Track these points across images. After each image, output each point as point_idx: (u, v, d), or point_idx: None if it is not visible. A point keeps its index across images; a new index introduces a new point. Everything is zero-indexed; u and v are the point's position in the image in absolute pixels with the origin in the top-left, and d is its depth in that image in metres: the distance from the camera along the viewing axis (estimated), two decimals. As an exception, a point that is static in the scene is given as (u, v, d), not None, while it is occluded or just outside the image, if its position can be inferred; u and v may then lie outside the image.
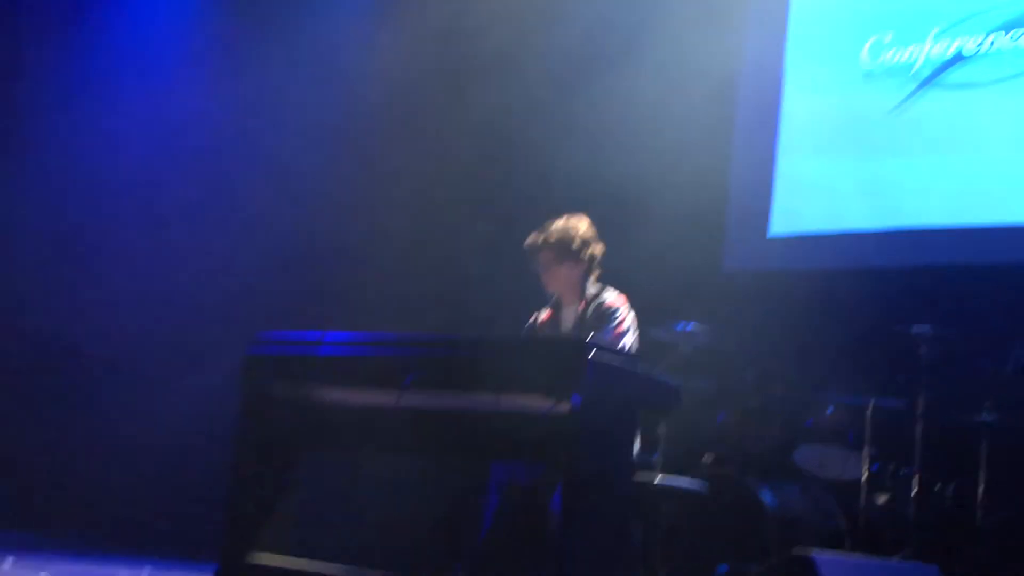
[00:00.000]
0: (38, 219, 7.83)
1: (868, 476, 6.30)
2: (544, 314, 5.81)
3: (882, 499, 6.35)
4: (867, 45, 7.70)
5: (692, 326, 6.63)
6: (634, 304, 5.74)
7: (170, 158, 7.84)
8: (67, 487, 7.19)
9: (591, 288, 5.73)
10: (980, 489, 6.21)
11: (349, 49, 8.19)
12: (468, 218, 8.16)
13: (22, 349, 7.62)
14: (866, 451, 6.33)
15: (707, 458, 6.58)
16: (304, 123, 7.96)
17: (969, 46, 7.32)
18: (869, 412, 6.38)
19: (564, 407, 4.57)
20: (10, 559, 5.64)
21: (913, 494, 6.20)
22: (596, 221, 5.80)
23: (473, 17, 8.07)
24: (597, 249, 5.74)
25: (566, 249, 5.68)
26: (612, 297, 5.70)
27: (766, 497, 6.21)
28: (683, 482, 5.79)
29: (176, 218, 7.78)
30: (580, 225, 5.75)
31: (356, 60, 8.20)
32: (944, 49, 7.41)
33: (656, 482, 5.66)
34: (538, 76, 8.03)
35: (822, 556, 4.58)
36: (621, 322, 5.62)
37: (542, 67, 7.99)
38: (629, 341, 5.62)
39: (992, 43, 7.24)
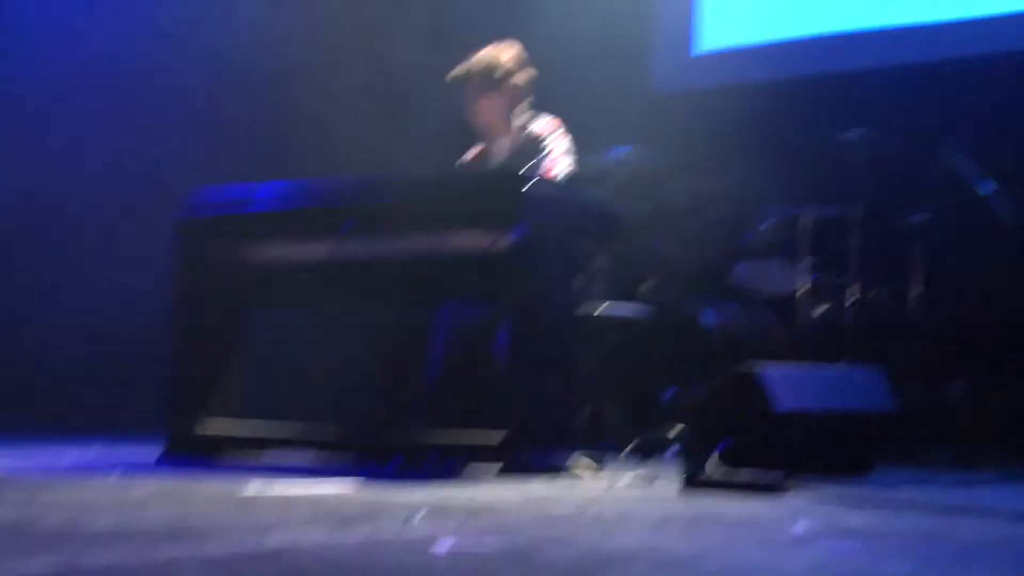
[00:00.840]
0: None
1: (807, 288, 6.35)
2: (474, 151, 5.72)
3: (822, 309, 6.42)
4: None
5: (624, 150, 6.58)
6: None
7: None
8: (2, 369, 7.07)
9: (519, 118, 5.62)
10: (917, 290, 6.29)
11: None
12: (396, 49, 8.00)
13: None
14: (804, 263, 6.37)
15: (647, 284, 6.59)
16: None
17: None
18: (805, 223, 6.40)
19: (504, 242, 4.54)
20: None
21: (852, 302, 6.27)
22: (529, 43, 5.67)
23: None
24: (521, 78, 5.60)
25: (488, 80, 5.54)
26: (544, 124, 5.59)
27: (707, 318, 6.26)
28: (625, 310, 5.81)
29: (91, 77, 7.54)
30: (503, 54, 5.60)
31: None
32: None
33: (598, 312, 5.68)
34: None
35: (768, 369, 4.62)
36: (554, 148, 5.52)
37: None
38: (564, 165, 5.52)
39: None
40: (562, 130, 5.57)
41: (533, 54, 5.74)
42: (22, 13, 7.39)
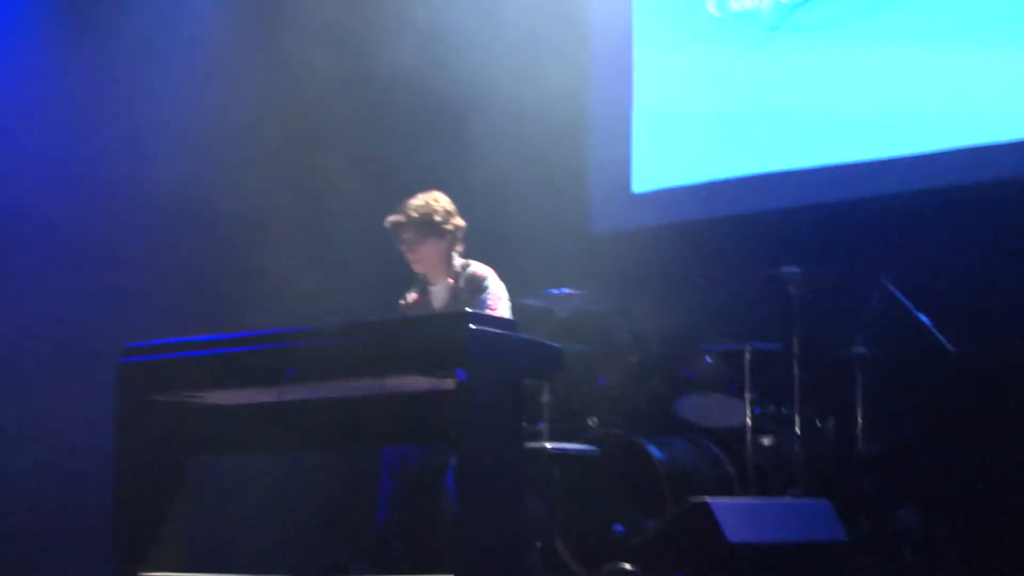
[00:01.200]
0: None
1: (751, 421, 6.39)
2: (412, 296, 5.76)
3: (767, 441, 6.46)
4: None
5: (564, 290, 6.66)
6: (503, 274, 5.74)
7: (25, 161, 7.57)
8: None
9: (457, 261, 5.71)
10: (859, 421, 6.35)
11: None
12: (314, 194, 8.05)
13: None
14: (747, 396, 6.42)
15: (593, 421, 6.61)
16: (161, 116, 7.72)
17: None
18: (747, 357, 6.46)
19: (449, 383, 4.54)
20: None
21: (796, 433, 6.31)
22: (457, 196, 5.78)
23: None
24: (460, 222, 5.74)
25: (428, 224, 5.66)
26: (480, 268, 5.70)
27: (655, 452, 6.26)
28: (573, 447, 5.81)
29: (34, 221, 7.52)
30: (440, 199, 5.74)
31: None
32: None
33: (545, 448, 5.68)
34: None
35: (717, 502, 4.63)
36: (493, 290, 5.62)
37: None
38: (504, 309, 5.62)
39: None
40: (496, 275, 5.67)
41: (468, 196, 5.84)
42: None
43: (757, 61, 7.57)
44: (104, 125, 7.54)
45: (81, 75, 7.59)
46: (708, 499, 4.66)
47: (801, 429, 6.31)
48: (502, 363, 4.68)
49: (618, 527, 5.99)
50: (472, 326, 4.57)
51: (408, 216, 5.66)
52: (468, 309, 5.10)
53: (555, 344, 4.84)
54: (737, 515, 4.56)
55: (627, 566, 5.03)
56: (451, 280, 5.68)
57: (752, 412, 6.41)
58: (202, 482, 5.33)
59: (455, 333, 4.57)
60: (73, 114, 7.52)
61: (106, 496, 5.12)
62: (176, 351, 5.05)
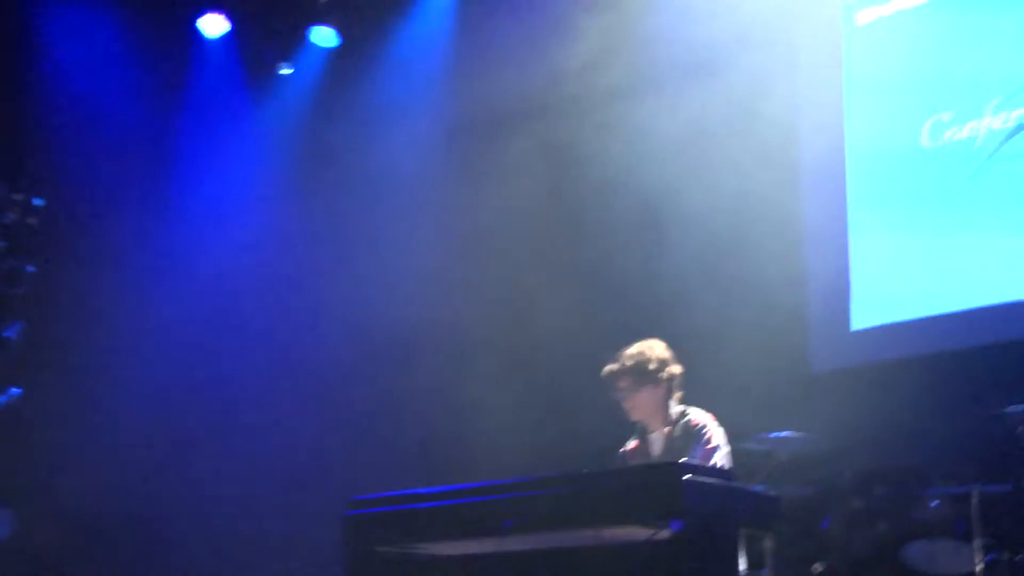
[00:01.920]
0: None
1: (983, 568, 6.17)
2: (631, 444, 5.81)
3: (1001, 589, 6.22)
4: (926, 127, 7.72)
5: (785, 433, 6.60)
6: (723, 418, 5.73)
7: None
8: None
9: (674, 409, 5.73)
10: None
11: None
12: (548, 347, 8.19)
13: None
14: (977, 542, 6.21)
15: (817, 567, 6.48)
16: (392, 292, 8.00)
17: (1029, 116, 7.33)
18: (975, 500, 6.26)
19: (665, 534, 4.55)
20: None
21: (1032, 581, 6.06)
22: (678, 343, 5.82)
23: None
24: (675, 369, 5.76)
25: (644, 372, 5.70)
26: (698, 415, 5.70)
27: (883, 600, 6.10)
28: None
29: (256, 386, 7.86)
30: (655, 347, 5.78)
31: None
32: (1003, 122, 7.41)
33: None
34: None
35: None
36: (711, 438, 5.60)
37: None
38: (721, 457, 5.60)
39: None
40: (715, 421, 5.65)
41: (687, 338, 5.88)
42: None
43: (972, 191, 7.46)
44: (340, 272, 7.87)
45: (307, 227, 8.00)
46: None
47: (1037, 577, 6.07)
48: (718, 513, 4.67)
49: None
50: (687, 477, 4.59)
51: (623, 365, 5.72)
52: (684, 459, 5.11)
53: (773, 493, 4.81)
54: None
55: None
56: (667, 428, 5.70)
57: (984, 558, 6.19)
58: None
59: (670, 484, 4.60)
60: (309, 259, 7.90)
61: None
62: (400, 503, 5.20)
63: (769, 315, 7.64)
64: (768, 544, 6.20)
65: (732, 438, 5.79)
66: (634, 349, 5.74)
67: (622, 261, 8.20)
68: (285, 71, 9.01)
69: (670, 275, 7.91)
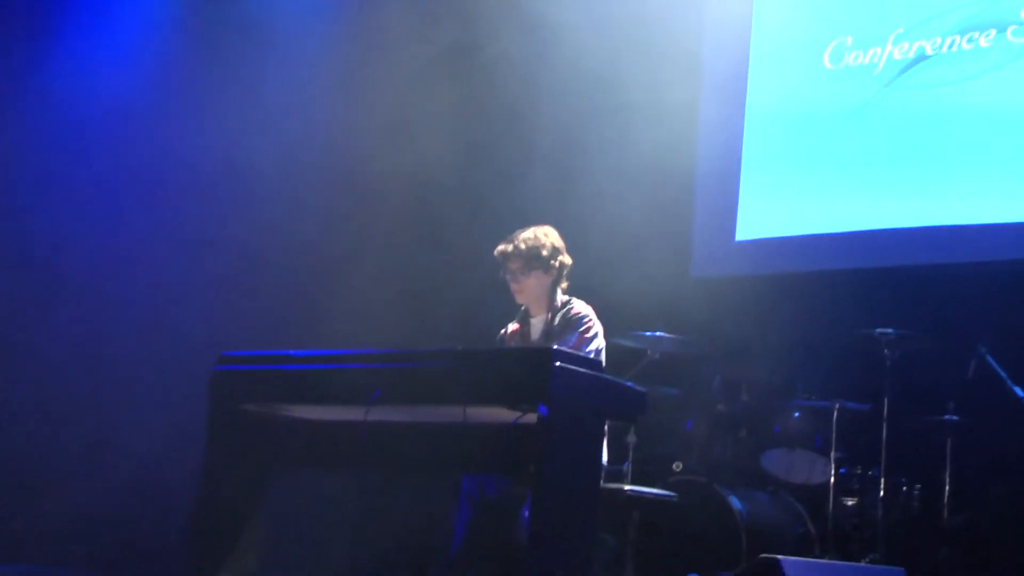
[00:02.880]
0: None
1: (836, 480, 6.35)
2: (512, 327, 5.83)
3: (850, 502, 6.40)
4: (829, 48, 7.77)
5: (659, 333, 6.68)
6: (602, 313, 5.77)
7: (141, 176, 7.78)
8: (32, 512, 7.12)
9: (560, 298, 5.76)
10: (945, 489, 6.27)
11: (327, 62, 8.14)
12: (436, 229, 8.16)
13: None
14: (833, 455, 6.38)
15: (676, 466, 6.60)
16: (274, 134, 7.89)
17: (928, 48, 7.39)
18: (835, 415, 6.43)
19: (531, 417, 4.58)
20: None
21: (880, 496, 6.25)
22: (563, 232, 5.83)
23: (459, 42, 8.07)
24: (566, 259, 5.77)
25: (536, 257, 5.69)
26: (581, 306, 5.73)
27: (735, 504, 6.25)
28: (651, 491, 5.82)
29: (141, 234, 7.72)
30: (550, 234, 5.78)
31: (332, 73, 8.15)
32: (903, 52, 7.48)
33: (626, 490, 5.69)
34: (504, 90, 8.03)
35: (788, 560, 4.61)
36: (588, 328, 5.63)
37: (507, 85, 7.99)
38: (596, 348, 5.64)
39: (951, 45, 7.31)
40: (595, 315, 5.69)
41: (576, 234, 5.89)
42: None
43: (868, 117, 7.54)
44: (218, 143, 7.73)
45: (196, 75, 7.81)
46: (780, 557, 4.63)
47: (886, 493, 6.25)
48: (584, 402, 4.71)
49: (692, 576, 5.99)
50: (557, 363, 4.61)
51: (516, 247, 5.71)
52: (557, 346, 5.14)
53: (640, 388, 4.85)
54: (807, 575, 4.53)
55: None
56: (549, 315, 5.72)
57: (837, 471, 6.37)
58: (282, 495, 5.41)
59: (540, 368, 4.61)
60: (197, 120, 7.73)
61: (188, 500, 5.23)
62: (270, 363, 5.16)
63: (653, 214, 7.68)
64: (631, 439, 6.32)
65: (607, 333, 5.84)
66: (529, 233, 5.73)
67: (522, 156, 8.17)
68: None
69: (566, 167, 7.90)
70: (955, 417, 6.30)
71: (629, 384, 4.90)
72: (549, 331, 5.68)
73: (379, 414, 4.88)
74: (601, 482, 5.04)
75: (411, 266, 8.06)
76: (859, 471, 6.44)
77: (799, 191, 7.74)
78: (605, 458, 5.47)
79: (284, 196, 7.79)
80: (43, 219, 7.55)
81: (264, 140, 7.69)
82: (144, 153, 7.69)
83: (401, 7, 8.16)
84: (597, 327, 5.69)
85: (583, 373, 4.74)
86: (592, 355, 5.51)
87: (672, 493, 5.92)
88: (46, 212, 7.56)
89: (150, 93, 7.80)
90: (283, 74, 7.89)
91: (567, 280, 5.79)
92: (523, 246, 5.70)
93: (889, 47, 7.54)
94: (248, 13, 7.95)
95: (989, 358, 6.24)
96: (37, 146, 7.68)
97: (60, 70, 7.81)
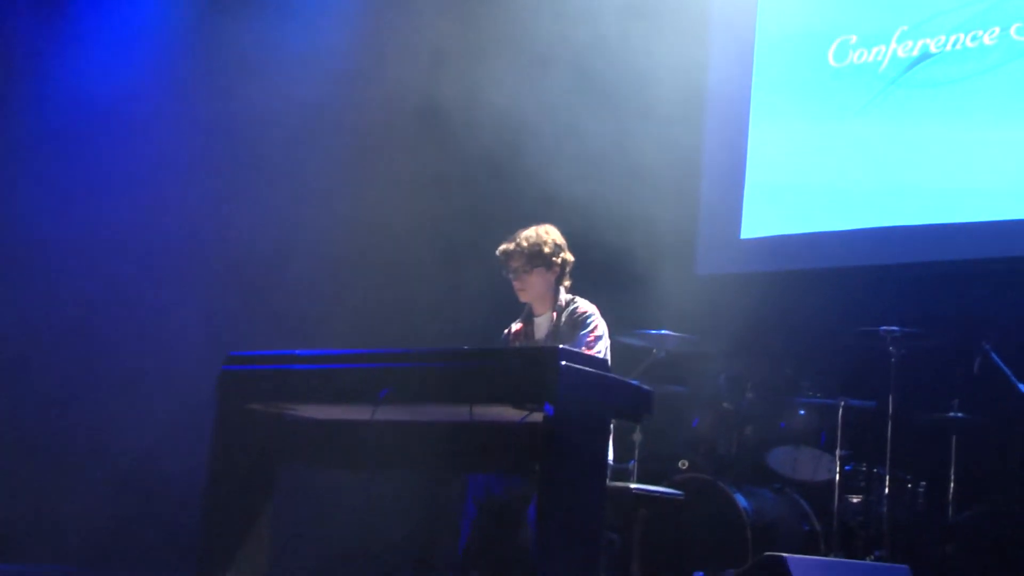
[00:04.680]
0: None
1: (841, 477, 6.36)
2: (516, 326, 5.84)
3: (855, 499, 6.42)
4: (833, 46, 7.78)
5: (664, 331, 6.69)
6: (607, 312, 5.78)
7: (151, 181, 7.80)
8: (34, 510, 7.15)
9: (563, 296, 5.77)
10: (951, 486, 6.28)
11: (328, 60, 8.16)
12: (440, 231, 8.16)
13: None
14: (838, 452, 6.39)
15: (682, 463, 6.62)
16: (275, 134, 7.92)
17: (933, 46, 7.39)
18: (840, 413, 6.44)
19: (537, 417, 4.60)
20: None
21: (885, 494, 6.26)
22: (569, 230, 5.84)
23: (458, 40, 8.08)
24: (569, 256, 5.79)
25: (538, 254, 5.70)
26: (585, 304, 5.74)
27: (741, 501, 6.26)
28: (657, 489, 5.83)
29: (152, 238, 7.74)
30: (551, 232, 5.79)
31: (334, 70, 8.16)
32: (908, 50, 7.49)
33: (632, 488, 5.71)
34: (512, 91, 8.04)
35: (794, 558, 4.62)
36: (594, 328, 5.65)
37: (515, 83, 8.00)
38: (602, 348, 5.66)
39: (955, 43, 7.32)
40: (599, 313, 5.70)
41: (580, 232, 5.90)
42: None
43: (873, 115, 7.55)
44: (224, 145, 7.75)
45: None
46: (786, 555, 4.65)
47: (891, 490, 6.26)
48: (590, 401, 4.72)
49: (698, 574, 6.00)
50: (563, 363, 4.62)
51: (518, 245, 5.72)
52: (563, 345, 5.16)
53: (646, 387, 4.87)
54: (812, 572, 4.55)
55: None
56: (554, 314, 5.74)
57: (842, 469, 6.38)
58: (291, 493, 5.42)
59: (546, 368, 4.63)
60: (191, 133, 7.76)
61: (188, 500, 5.24)
62: (277, 363, 5.18)
63: (660, 212, 7.68)
64: (637, 437, 6.33)
65: (612, 331, 5.85)
66: (531, 231, 5.75)
67: (526, 157, 8.18)
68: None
69: (557, 159, 7.90)
70: (960, 414, 6.31)
71: (635, 383, 4.92)
72: (555, 330, 5.69)
73: (386, 413, 4.90)
74: (607, 480, 5.04)
75: (415, 266, 8.07)
76: (864, 468, 6.46)
77: (804, 188, 7.75)
78: (611, 456, 5.49)
79: (287, 196, 7.81)
80: (43, 219, 7.58)
81: (265, 140, 7.71)
82: (144, 153, 7.71)
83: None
84: (602, 325, 5.70)
85: (589, 372, 4.76)
86: (599, 354, 5.52)
87: (678, 491, 5.94)
88: (46, 212, 7.59)
89: (150, 93, 7.82)
90: (283, 71, 7.90)
91: (569, 278, 5.80)
92: (525, 244, 5.71)
93: (893, 45, 7.55)
94: (248, 13, 7.97)
95: (994, 355, 6.24)
96: (38, 146, 7.71)
97: (60, 70, 7.85)
